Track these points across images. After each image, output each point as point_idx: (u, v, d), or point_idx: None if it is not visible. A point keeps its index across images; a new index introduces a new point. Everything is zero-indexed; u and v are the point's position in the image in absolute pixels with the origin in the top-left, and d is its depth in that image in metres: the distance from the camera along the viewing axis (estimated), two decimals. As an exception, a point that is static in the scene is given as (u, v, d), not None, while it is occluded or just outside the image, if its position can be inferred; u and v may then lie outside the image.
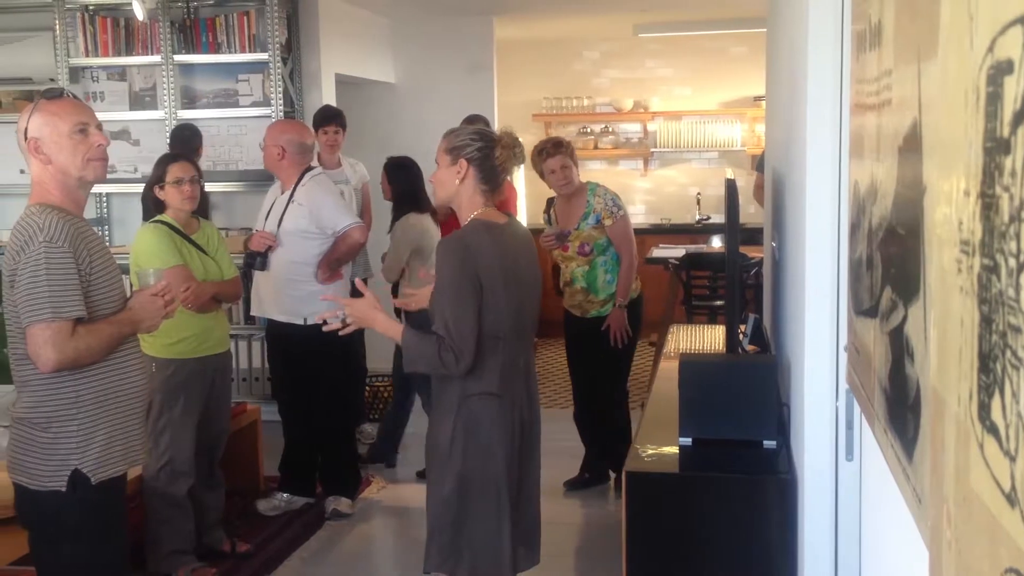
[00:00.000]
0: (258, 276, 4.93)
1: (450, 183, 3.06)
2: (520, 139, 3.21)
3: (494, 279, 2.96)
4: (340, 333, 3.19)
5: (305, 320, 4.82)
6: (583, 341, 5.22)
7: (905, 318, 1.33)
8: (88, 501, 2.71)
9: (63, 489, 2.68)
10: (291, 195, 4.84)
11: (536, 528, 3.26)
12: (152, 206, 4.35)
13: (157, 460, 4.20)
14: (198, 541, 4.39)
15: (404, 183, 5.47)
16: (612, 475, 5.34)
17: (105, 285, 2.74)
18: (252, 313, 5.19)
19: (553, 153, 5.01)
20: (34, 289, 2.58)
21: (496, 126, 7.81)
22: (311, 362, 4.88)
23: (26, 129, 2.70)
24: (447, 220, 5.37)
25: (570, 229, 5.07)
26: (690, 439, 3.00)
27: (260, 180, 6.48)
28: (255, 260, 4.84)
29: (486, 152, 3.04)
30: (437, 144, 3.13)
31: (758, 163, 8.04)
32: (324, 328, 3.23)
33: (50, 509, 2.70)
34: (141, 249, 4.18)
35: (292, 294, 4.83)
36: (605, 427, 5.29)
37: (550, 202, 5.32)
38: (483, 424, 3.00)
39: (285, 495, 5.05)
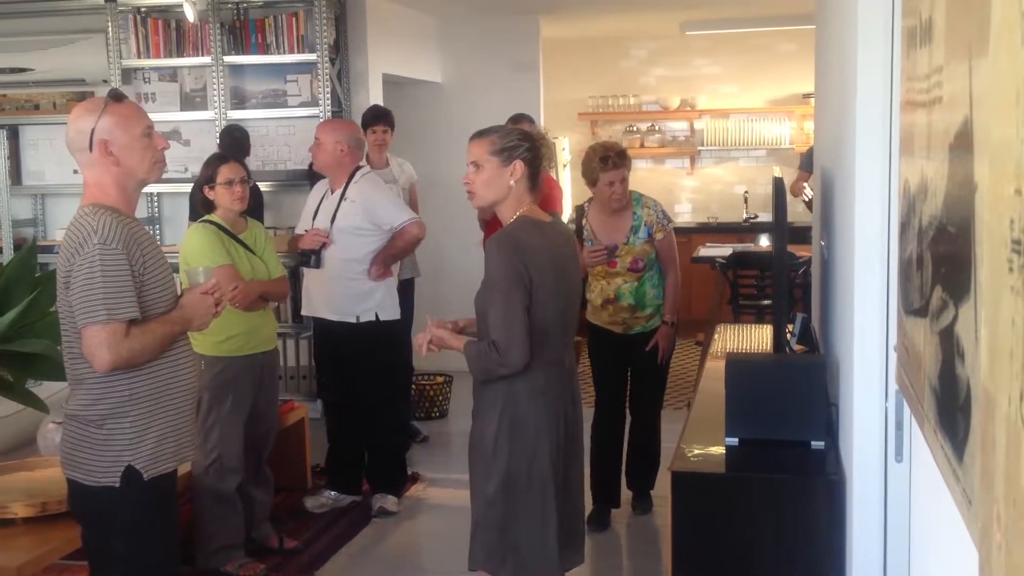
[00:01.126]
0: (309, 275, 4.95)
1: (502, 184, 3.03)
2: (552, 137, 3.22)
3: (544, 276, 2.96)
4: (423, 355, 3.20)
5: (358, 318, 4.86)
6: (623, 358, 4.87)
7: (955, 318, 1.31)
8: (140, 497, 2.76)
9: (116, 485, 2.72)
10: (343, 193, 4.88)
11: (581, 527, 3.26)
12: (200, 206, 4.40)
13: (206, 457, 4.25)
14: (247, 537, 4.44)
15: None
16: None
17: (158, 285, 2.78)
18: (303, 313, 5.19)
19: (619, 164, 4.61)
20: (89, 291, 2.62)
21: (542, 125, 7.81)
22: (362, 360, 4.92)
23: (93, 130, 2.72)
24: (492, 221, 5.37)
25: (617, 244, 4.70)
26: (737, 439, 2.99)
27: (308, 180, 6.54)
28: (310, 258, 4.85)
29: (535, 152, 3.06)
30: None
31: (802, 162, 7.97)
32: (422, 353, 3.21)
33: (103, 505, 2.74)
34: (190, 248, 4.24)
35: (345, 292, 4.86)
36: (644, 448, 4.98)
37: (580, 211, 4.88)
38: (528, 422, 3.00)
39: (332, 493, 5.10)
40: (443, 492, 5.43)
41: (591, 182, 4.68)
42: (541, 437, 3.01)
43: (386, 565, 4.65)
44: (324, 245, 4.83)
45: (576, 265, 3.22)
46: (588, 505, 4.87)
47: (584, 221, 4.77)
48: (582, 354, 5.12)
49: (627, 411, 4.96)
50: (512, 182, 3.03)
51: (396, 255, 5.00)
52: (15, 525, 3.31)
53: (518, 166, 3.02)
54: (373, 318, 4.92)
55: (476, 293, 3.04)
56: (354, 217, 4.84)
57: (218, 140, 6.40)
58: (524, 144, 3.05)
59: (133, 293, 2.68)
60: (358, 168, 4.94)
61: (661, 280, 4.81)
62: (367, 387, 5.00)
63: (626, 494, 5.05)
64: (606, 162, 4.59)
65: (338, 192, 4.90)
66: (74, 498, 2.83)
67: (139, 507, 2.77)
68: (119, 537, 2.75)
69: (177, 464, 2.90)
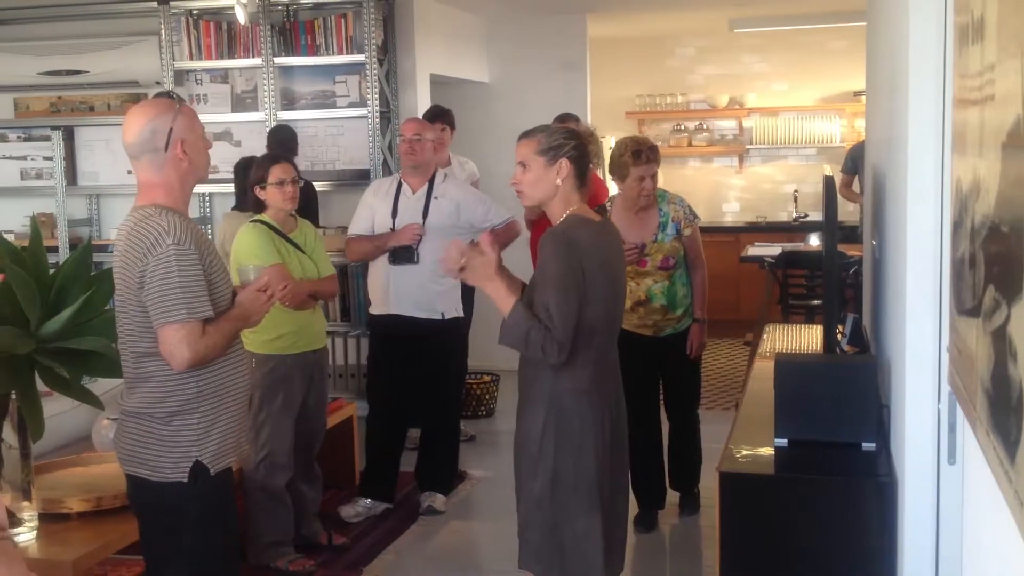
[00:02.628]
0: (396, 273, 4.87)
1: (549, 184, 3.03)
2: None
3: (595, 275, 2.96)
4: (454, 278, 3.11)
5: (443, 315, 4.91)
6: (654, 362, 4.74)
7: (1008, 318, 1.29)
8: (208, 491, 2.80)
9: (185, 480, 2.76)
10: (429, 191, 4.90)
11: (624, 531, 3.25)
12: (252, 206, 4.45)
13: (257, 453, 4.30)
14: (296, 533, 4.49)
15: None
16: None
17: (220, 283, 2.82)
18: (376, 312, 5.03)
19: (651, 159, 4.52)
20: (167, 290, 2.65)
21: (588, 124, 7.80)
22: (439, 356, 4.96)
23: (171, 129, 2.75)
24: (539, 220, 5.38)
25: (645, 242, 4.60)
26: (786, 440, 2.96)
27: (357, 180, 6.60)
28: (410, 254, 4.83)
29: (581, 150, 3.06)
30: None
31: (845, 164, 7.91)
32: (443, 271, 3.11)
33: (171, 500, 2.78)
34: (241, 248, 4.29)
35: (435, 289, 4.89)
36: (685, 450, 4.93)
37: (602, 211, 4.84)
38: (574, 420, 3.00)
39: (367, 501, 5.08)
40: (490, 491, 5.44)
41: (620, 177, 4.58)
42: (587, 436, 3.01)
43: (433, 563, 4.67)
44: (420, 241, 4.85)
45: (622, 264, 3.22)
46: (633, 508, 4.90)
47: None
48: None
49: (663, 415, 4.90)
50: (558, 181, 3.03)
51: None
52: (70, 520, 3.37)
53: (564, 165, 3.02)
54: (455, 314, 4.99)
55: (524, 292, 3.05)
56: (447, 215, 4.87)
57: (266, 141, 6.47)
58: (570, 143, 3.05)
59: (207, 292, 2.73)
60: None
61: (690, 279, 4.74)
62: (434, 383, 5.03)
63: (672, 495, 5.01)
64: (638, 156, 4.49)
65: (422, 191, 4.92)
66: (137, 494, 2.86)
67: (207, 501, 2.81)
68: (187, 532, 2.79)
69: (236, 458, 2.96)
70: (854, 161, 7.71)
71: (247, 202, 4.97)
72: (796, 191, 9.82)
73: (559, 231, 3.01)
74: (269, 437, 4.31)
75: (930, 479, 2.43)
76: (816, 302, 6.75)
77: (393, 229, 4.88)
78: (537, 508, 3.03)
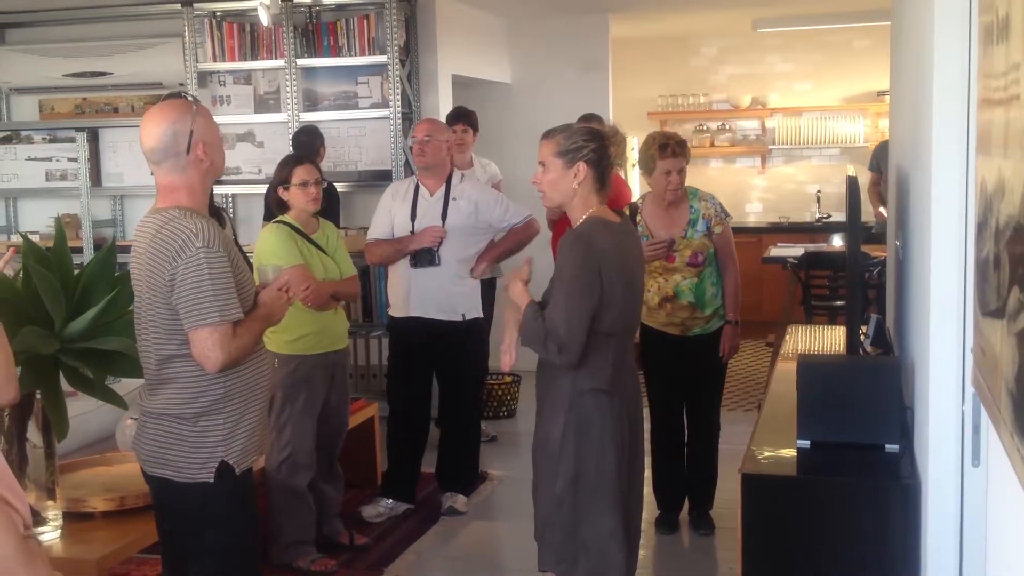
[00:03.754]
0: (416, 275, 4.87)
1: (566, 187, 3.02)
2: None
3: (613, 276, 2.96)
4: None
5: (463, 316, 4.92)
6: (679, 362, 4.67)
7: (1034, 320, 1.28)
8: (232, 491, 2.82)
9: (211, 480, 2.77)
10: (447, 192, 4.92)
11: (639, 530, 3.24)
12: (275, 206, 4.47)
13: (279, 453, 4.32)
14: (318, 533, 4.50)
15: None
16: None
17: (245, 284, 2.84)
18: (395, 314, 5.03)
19: (679, 153, 4.48)
20: (198, 293, 2.66)
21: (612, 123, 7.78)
22: (460, 357, 4.97)
23: (192, 132, 2.75)
24: (560, 220, 5.38)
25: (674, 238, 4.57)
26: (808, 442, 2.95)
27: (379, 181, 6.61)
28: (431, 256, 4.83)
29: (601, 152, 3.03)
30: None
31: (871, 162, 7.87)
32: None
33: (197, 500, 2.79)
34: (264, 248, 4.31)
35: (456, 291, 4.90)
36: (701, 457, 4.82)
37: (634, 208, 4.68)
38: (595, 421, 3.00)
39: (389, 501, 5.09)
40: (511, 491, 5.44)
41: (647, 172, 4.56)
42: (606, 436, 3.01)
43: (454, 564, 4.67)
44: (440, 243, 4.86)
45: (642, 265, 3.21)
46: (653, 510, 4.89)
47: (639, 217, 4.61)
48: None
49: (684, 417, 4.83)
50: (575, 184, 3.01)
51: (512, 249, 5.07)
52: (94, 519, 3.39)
53: (581, 168, 3.00)
54: (475, 315, 5.00)
55: (544, 292, 3.05)
56: (466, 216, 4.88)
57: (291, 142, 6.49)
58: (589, 145, 3.01)
59: (236, 294, 2.74)
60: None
61: (720, 279, 4.65)
62: (455, 384, 5.04)
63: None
64: (664, 149, 4.46)
65: (439, 192, 4.92)
66: (162, 495, 2.87)
67: (231, 501, 2.83)
68: (211, 531, 2.81)
69: (259, 457, 2.98)
70: (878, 160, 7.67)
71: None
72: (819, 191, 9.77)
73: (578, 234, 3.00)
74: (291, 437, 4.33)
75: (954, 481, 2.41)
76: (839, 303, 6.71)
77: (413, 232, 4.89)
78: (558, 509, 3.03)
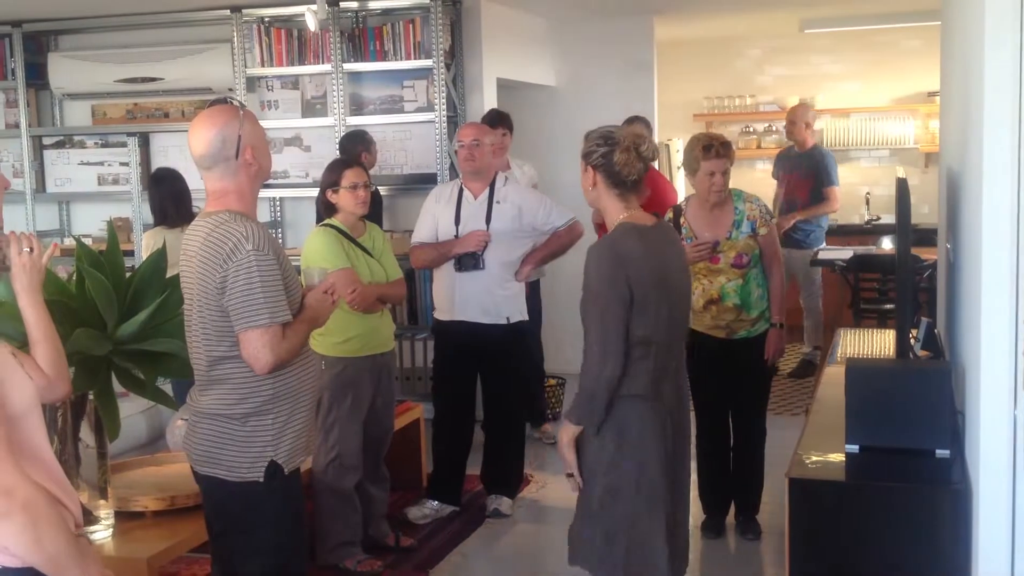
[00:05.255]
0: (461, 279, 4.89)
1: (587, 189, 3.09)
2: (649, 135, 3.17)
3: (645, 285, 2.94)
4: None
5: (508, 319, 4.93)
6: (725, 366, 4.65)
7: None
8: (282, 490, 2.86)
9: (261, 480, 2.82)
10: (491, 196, 4.93)
11: (686, 534, 3.23)
12: (323, 209, 4.50)
13: (326, 455, 4.35)
14: (364, 534, 4.53)
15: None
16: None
17: (293, 286, 2.88)
18: (439, 317, 5.06)
19: (722, 154, 4.47)
20: (249, 296, 2.70)
21: (656, 127, 7.76)
22: (506, 361, 4.98)
23: (240, 136, 2.79)
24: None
25: (718, 239, 4.55)
26: (857, 446, 2.92)
27: (424, 184, 6.64)
28: (476, 260, 4.85)
29: (608, 156, 3.01)
30: None
31: (774, 170, 7.88)
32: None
33: (247, 499, 2.83)
34: (311, 251, 4.35)
35: (500, 294, 4.92)
36: (745, 462, 4.78)
37: (678, 210, 4.69)
38: (634, 427, 2.99)
39: (435, 503, 5.11)
40: (556, 494, 5.43)
41: (691, 172, 4.55)
42: (647, 441, 3.00)
43: (499, 566, 4.68)
44: (484, 247, 4.88)
45: (682, 268, 3.18)
46: (699, 514, 4.87)
47: (682, 219, 4.61)
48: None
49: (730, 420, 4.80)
50: (590, 187, 3.05)
51: (555, 252, 5.09)
52: (145, 518, 3.44)
53: (590, 171, 3.04)
54: (519, 319, 5.00)
55: (580, 300, 3.04)
56: (510, 220, 4.89)
57: (338, 146, 6.54)
58: (599, 150, 3.02)
59: (285, 296, 2.78)
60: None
61: (766, 281, 4.62)
62: (500, 387, 5.05)
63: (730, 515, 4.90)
64: (708, 150, 4.45)
65: (483, 196, 4.94)
66: (213, 494, 2.91)
67: (280, 500, 2.87)
68: (261, 530, 2.85)
69: (306, 457, 3.02)
70: (778, 168, 7.91)
71: (166, 217, 5.37)
72: (868, 193, 9.66)
73: (605, 245, 3.00)
74: (338, 439, 4.36)
75: (1006, 486, 2.37)
76: (888, 306, 6.63)
77: (457, 236, 4.91)
78: (600, 513, 3.02)
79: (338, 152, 6.27)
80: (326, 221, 4.44)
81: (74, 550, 1.99)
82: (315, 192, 5.15)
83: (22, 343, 2.48)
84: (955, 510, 2.65)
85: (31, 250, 2.46)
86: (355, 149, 6.21)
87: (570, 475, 3.09)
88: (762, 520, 4.83)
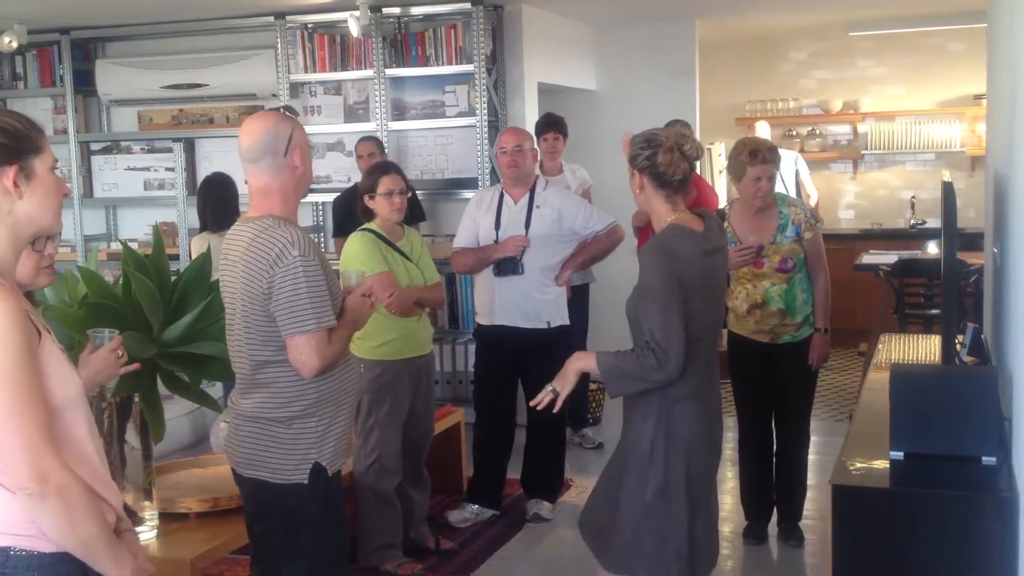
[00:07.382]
0: (501, 283, 4.90)
1: (636, 193, 3.08)
2: (691, 134, 3.15)
3: (695, 284, 2.94)
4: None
5: (548, 323, 4.93)
6: (769, 371, 4.60)
7: None
8: (325, 491, 2.89)
9: (305, 481, 2.84)
10: (531, 200, 4.94)
11: (717, 533, 3.24)
12: (361, 214, 4.53)
13: (366, 458, 4.37)
14: (404, 537, 4.55)
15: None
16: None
17: (335, 290, 2.91)
18: (481, 321, 5.08)
19: (769, 159, 4.44)
20: (296, 301, 2.73)
21: (698, 131, 7.72)
22: (547, 365, 4.96)
23: (291, 136, 2.84)
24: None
25: (763, 243, 4.50)
26: (902, 453, 2.88)
27: (465, 189, 6.66)
28: (515, 265, 4.86)
29: (653, 158, 3.00)
30: None
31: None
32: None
33: (292, 501, 2.86)
34: (349, 255, 4.38)
35: (540, 298, 4.92)
36: (789, 468, 4.73)
37: (722, 214, 4.64)
38: (683, 427, 2.99)
39: (475, 507, 5.12)
40: (597, 499, 5.41)
41: (736, 177, 4.52)
42: (694, 443, 3.00)
43: (539, 570, 4.68)
44: (524, 252, 4.88)
45: (723, 273, 3.19)
46: (742, 520, 4.84)
47: (727, 223, 4.56)
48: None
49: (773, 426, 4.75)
50: (638, 190, 3.05)
51: (596, 256, 5.09)
52: (188, 519, 3.48)
53: (636, 175, 3.03)
54: (560, 323, 5.00)
55: (627, 300, 3.04)
56: (550, 224, 4.90)
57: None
58: (643, 152, 3.01)
59: (330, 301, 2.81)
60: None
61: (810, 286, 4.59)
62: (540, 391, 5.04)
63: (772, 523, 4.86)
64: (755, 156, 4.43)
65: (523, 201, 4.95)
66: (257, 496, 2.93)
67: (323, 501, 2.89)
68: (304, 531, 2.87)
69: (345, 460, 3.05)
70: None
71: (207, 223, 5.44)
72: (913, 197, 9.56)
73: (658, 243, 2.99)
74: (378, 442, 4.38)
75: (1055, 496, 2.33)
76: (934, 311, 6.55)
77: (497, 240, 4.92)
78: (648, 516, 3.01)
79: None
80: (364, 226, 4.47)
81: (108, 539, 2.02)
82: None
83: (69, 346, 2.51)
84: (1001, 518, 2.61)
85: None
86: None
87: (553, 393, 3.14)
88: (805, 527, 4.78)
